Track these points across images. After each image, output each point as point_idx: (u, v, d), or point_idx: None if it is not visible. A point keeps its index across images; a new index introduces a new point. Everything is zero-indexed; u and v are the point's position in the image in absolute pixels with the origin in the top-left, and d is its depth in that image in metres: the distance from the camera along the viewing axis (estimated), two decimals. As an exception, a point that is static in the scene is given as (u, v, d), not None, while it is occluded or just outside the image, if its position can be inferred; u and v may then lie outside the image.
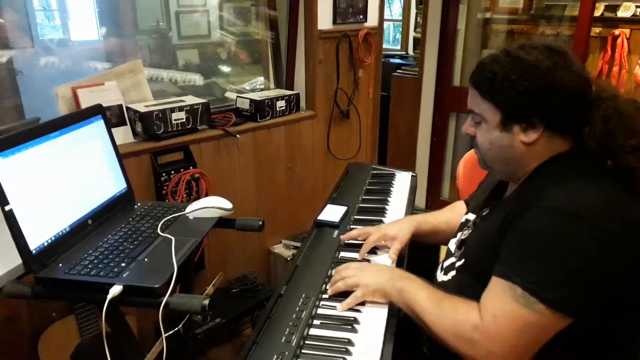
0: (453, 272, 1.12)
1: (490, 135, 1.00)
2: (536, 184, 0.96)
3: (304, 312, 1.03)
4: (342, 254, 1.28)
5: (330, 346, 0.95)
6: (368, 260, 1.26)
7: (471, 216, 1.19)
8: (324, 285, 1.14)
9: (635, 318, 0.94)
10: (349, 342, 0.96)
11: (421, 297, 1.00)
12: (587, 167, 0.92)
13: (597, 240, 0.84)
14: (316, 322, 1.02)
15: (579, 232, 0.84)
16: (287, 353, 0.91)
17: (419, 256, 1.38)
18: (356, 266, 1.14)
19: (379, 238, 1.29)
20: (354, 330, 1.00)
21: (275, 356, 0.90)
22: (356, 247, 1.29)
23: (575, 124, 0.94)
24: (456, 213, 1.37)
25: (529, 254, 0.87)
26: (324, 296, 1.11)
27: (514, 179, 1.06)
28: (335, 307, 1.06)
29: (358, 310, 1.06)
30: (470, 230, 1.14)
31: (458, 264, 1.11)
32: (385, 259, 1.25)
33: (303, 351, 0.94)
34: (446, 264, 1.17)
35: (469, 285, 1.03)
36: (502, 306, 0.88)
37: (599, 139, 0.90)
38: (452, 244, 1.20)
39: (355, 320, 1.02)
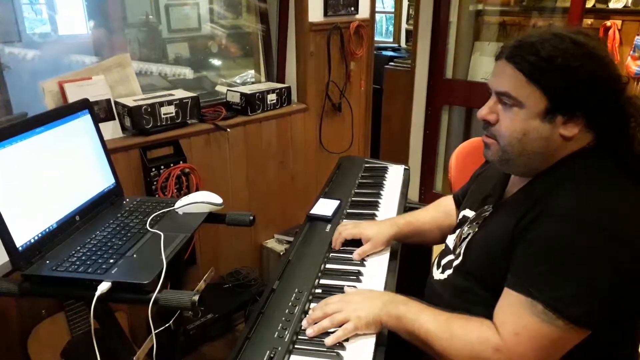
0: (450, 271, 1.07)
1: (526, 124, 0.90)
2: (553, 182, 0.90)
3: (297, 307, 1.02)
4: (332, 253, 1.26)
5: (323, 341, 0.94)
6: (351, 254, 1.24)
7: (469, 212, 1.12)
8: (316, 280, 1.13)
9: None
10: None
11: (424, 321, 0.92)
12: (609, 166, 0.89)
13: (618, 253, 0.80)
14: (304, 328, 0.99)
15: (600, 244, 0.80)
16: (280, 348, 0.90)
17: (410, 256, 1.37)
18: (339, 299, 1.00)
19: (355, 233, 1.25)
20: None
21: (268, 352, 0.90)
22: (345, 247, 1.28)
23: (613, 121, 0.89)
24: (441, 211, 1.33)
25: (549, 267, 0.83)
26: (317, 291, 1.10)
27: (530, 175, 0.98)
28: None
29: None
30: (472, 230, 1.06)
31: (456, 262, 1.06)
32: (376, 270, 1.20)
33: (296, 346, 0.93)
34: (444, 261, 1.11)
35: (466, 288, 0.99)
36: (524, 323, 0.83)
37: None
38: (450, 241, 1.14)
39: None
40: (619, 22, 2.66)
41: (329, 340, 0.93)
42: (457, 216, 1.20)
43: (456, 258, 1.07)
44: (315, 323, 0.96)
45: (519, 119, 0.90)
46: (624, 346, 0.95)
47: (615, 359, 0.95)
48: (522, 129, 0.91)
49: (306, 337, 0.95)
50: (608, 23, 2.69)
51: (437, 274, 1.11)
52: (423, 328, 0.92)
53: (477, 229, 1.04)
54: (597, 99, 0.87)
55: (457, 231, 1.12)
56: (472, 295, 0.97)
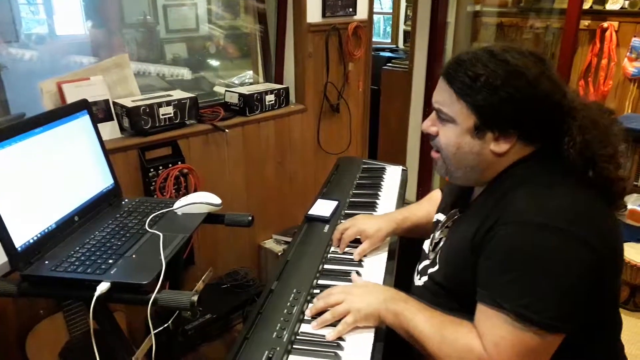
0: (425, 278, 1.08)
1: (458, 138, 0.94)
2: (505, 189, 0.92)
3: (295, 308, 1.02)
4: (331, 254, 1.27)
5: (321, 341, 0.95)
6: (351, 254, 1.24)
7: (441, 216, 1.15)
8: (315, 281, 1.14)
9: (611, 314, 0.95)
10: (341, 337, 0.96)
11: (419, 321, 0.94)
12: (556, 170, 0.90)
13: (577, 252, 0.81)
14: (307, 317, 1.01)
15: (558, 244, 0.82)
16: (278, 349, 0.90)
17: (407, 256, 1.37)
18: (341, 290, 1.04)
19: (355, 233, 1.27)
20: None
21: (266, 352, 0.90)
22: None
23: (548, 135, 0.91)
24: (433, 204, 1.33)
25: (511, 275, 0.83)
26: (315, 291, 1.10)
27: (475, 185, 1.03)
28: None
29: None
30: (442, 236, 1.09)
31: (430, 270, 1.07)
32: (374, 268, 1.21)
33: (294, 347, 0.93)
34: (421, 266, 1.13)
35: (440, 296, 1.01)
36: (501, 334, 0.84)
37: (580, 151, 0.87)
38: (426, 245, 1.16)
39: (347, 315, 1.01)
40: (615, 24, 2.66)
41: (329, 335, 0.95)
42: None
43: (431, 265, 1.08)
44: (318, 312, 1.01)
45: (453, 134, 0.94)
46: (605, 338, 0.96)
47: (599, 351, 0.96)
48: (455, 143, 0.95)
49: (305, 338, 0.96)
50: (605, 24, 2.69)
51: (417, 280, 1.12)
52: (418, 328, 0.93)
53: (446, 235, 1.06)
54: (522, 116, 0.89)
55: (431, 236, 1.14)
56: (447, 302, 0.98)
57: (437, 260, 1.05)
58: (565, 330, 0.83)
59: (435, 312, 0.96)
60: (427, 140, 3.39)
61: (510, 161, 0.94)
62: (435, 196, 1.37)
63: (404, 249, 1.36)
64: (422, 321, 0.94)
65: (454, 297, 0.98)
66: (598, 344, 0.95)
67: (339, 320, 0.98)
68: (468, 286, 0.91)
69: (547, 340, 0.83)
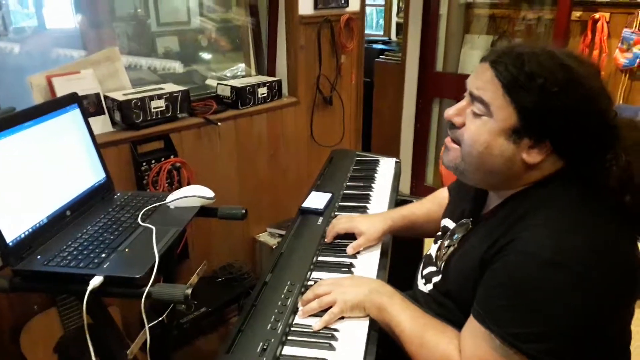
0: (430, 286, 1.05)
1: (490, 137, 0.85)
2: (524, 211, 0.85)
3: (289, 300, 1.02)
4: (324, 246, 1.27)
5: (316, 333, 0.95)
6: (345, 247, 1.24)
7: (450, 223, 1.10)
8: (309, 273, 1.14)
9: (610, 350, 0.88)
10: (335, 329, 0.96)
11: (402, 320, 0.93)
12: (584, 194, 0.83)
13: (582, 292, 0.76)
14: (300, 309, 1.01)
15: (562, 283, 0.76)
16: (272, 340, 0.91)
17: (401, 252, 1.37)
18: (330, 282, 1.04)
19: (348, 228, 1.26)
20: (340, 318, 0.99)
21: (261, 344, 0.90)
22: (337, 240, 1.28)
23: (588, 152, 0.83)
24: (437, 203, 1.32)
25: (509, 302, 0.80)
26: (309, 284, 1.10)
27: (489, 189, 0.96)
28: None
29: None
30: (452, 245, 1.03)
31: (436, 279, 1.04)
32: (368, 263, 1.20)
33: (289, 338, 0.94)
34: (426, 271, 1.10)
35: (446, 308, 0.98)
36: (481, 354, 0.82)
37: (621, 172, 0.81)
38: (433, 251, 1.12)
39: (340, 307, 1.02)
40: (607, 15, 2.67)
41: (316, 325, 0.95)
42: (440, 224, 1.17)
43: (437, 273, 1.05)
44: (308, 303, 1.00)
45: (485, 130, 0.85)
46: None
47: None
48: (485, 141, 0.85)
49: (299, 329, 0.96)
50: (596, 15, 2.70)
51: (421, 284, 1.10)
52: (400, 327, 0.93)
53: (456, 246, 1.01)
54: (569, 130, 0.81)
55: (439, 242, 1.11)
56: (452, 315, 0.96)
57: (444, 270, 1.02)
58: None
59: (419, 312, 0.96)
60: (420, 132, 3.37)
61: (537, 177, 0.87)
62: (440, 196, 1.34)
63: (403, 245, 1.35)
64: (405, 320, 0.93)
65: (459, 308, 0.94)
66: None
67: (327, 311, 0.98)
68: (472, 300, 0.88)
69: None
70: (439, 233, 1.15)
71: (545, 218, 0.82)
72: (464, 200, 1.08)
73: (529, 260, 0.79)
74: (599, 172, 0.83)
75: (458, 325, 0.91)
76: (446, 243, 1.06)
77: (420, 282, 1.10)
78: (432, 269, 1.08)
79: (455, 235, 1.04)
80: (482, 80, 0.86)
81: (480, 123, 0.86)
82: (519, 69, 0.81)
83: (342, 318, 0.98)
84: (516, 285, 0.79)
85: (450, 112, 0.91)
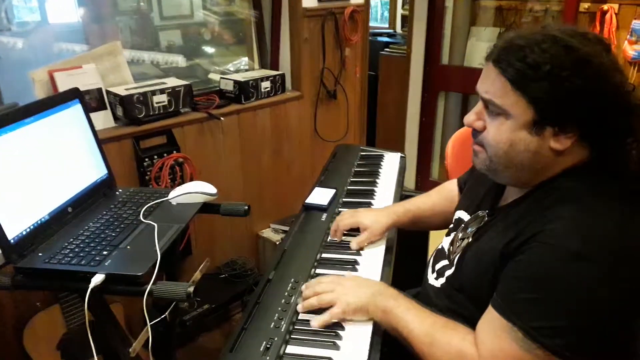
0: (443, 280, 1.03)
1: (512, 134, 0.84)
2: (549, 203, 0.84)
3: (293, 297, 1.01)
4: (328, 243, 1.25)
5: (320, 331, 0.94)
6: (348, 243, 1.22)
7: (464, 215, 1.08)
8: (312, 270, 1.13)
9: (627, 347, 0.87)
10: (340, 326, 0.95)
11: (409, 320, 0.91)
12: (611, 185, 0.82)
13: (608, 286, 0.75)
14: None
15: (588, 277, 0.75)
16: (276, 339, 0.90)
17: (407, 246, 1.36)
18: (331, 280, 1.01)
19: (352, 223, 1.24)
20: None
21: (264, 342, 0.89)
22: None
23: (610, 135, 0.82)
24: (443, 197, 1.31)
25: (531, 295, 0.79)
26: (312, 281, 1.09)
27: (522, 186, 0.93)
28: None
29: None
30: (466, 238, 1.01)
31: (449, 272, 1.02)
32: (372, 259, 1.19)
33: (292, 336, 0.93)
34: (438, 265, 1.08)
35: (459, 304, 0.96)
36: (502, 346, 0.80)
37: None
38: (446, 243, 1.10)
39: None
40: (616, 6, 2.63)
41: (314, 322, 0.94)
42: (453, 216, 1.16)
43: (450, 266, 1.03)
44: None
45: (505, 129, 0.84)
46: None
47: None
48: (508, 139, 0.84)
49: (303, 327, 0.95)
50: (605, 7, 2.66)
51: (432, 279, 1.08)
52: (407, 328, 0.91)
53: (471, 239, 0.99)
54: (589, 112, 0.79)
55: (453, 235, 1.09)
56: (465, 310, 0.94)
57: (458, 264, 1.00)
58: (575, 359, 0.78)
59: (426, 312, 0.94)
60: (426, 126, 3.34)
61: (566, 164, 0.85)
62: (448, 188, 1.33)
63: (409, 241, 1.34)
64: (413, 320, 0.91)
65: (472, 303, 0.93)
66: None
67: (325, 309, 0.96)
68: (487, 293, 0.87)
69: None
70: (452, 226, 1.13)
71: (571, 210, 0.80)
72: (479, 193, 1.07)
73: (555, 253, 0.77)
74: (621, 156, 0.82)
75: (470, 320, 0.90)
76: (460, 235, 1.05)
77: (431, 277, 1.09)
78: (445, 262, 1.06)
79: (470, 228, 1.02)
80: (489, 82, 0.85)
81: (499, 123, 0.85)
82: (522, 61, 0.80)
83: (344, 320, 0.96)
84: (541, 278, 0.78)
85: (469, 118, 0.91)
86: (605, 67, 0.79)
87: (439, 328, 0.90)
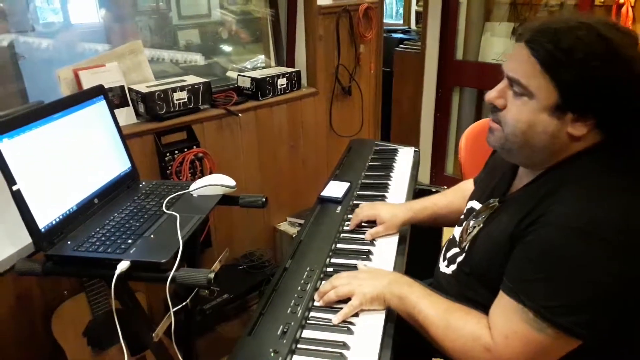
0: (454, 267, 1.06)
1: (533, 115, 0.85)
2: (557, 184, 0.85)
3: (309, 285, 1.05)
4: (343, 234, 1.29)
5: (334, 316, 0.97)
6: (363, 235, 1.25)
7: (476, 204, 1.10)
8: (328, 259, 1.16)
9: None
10: (355, 313, 0.98)
11: (424, 306, 0.93)
12: (621, 167, 0.83)
13: (617, 264, 0.76)
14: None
15: (596, 255, 0.76)
16: (292, 323, 0.93)
17: (420, 238, 1.38)
18: (348, 274, 1.04)
19: (370, 215, 1.27)
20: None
21: (281, 326, 0.92)
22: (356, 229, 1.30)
23: (629, 123, 0.83)
24: (460, 195, 1.32)
25: (543, 275, 0.79)
26: (328, 269, 1.12)
27: (532, 168, 0.94)
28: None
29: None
30: (477, 225, 1.03)
31: (460, 258, 1.04)
32: (386, 250, 1.21)
33: (308, 322, 0.96)
34: (449, 254, 1.10)
35: (470, 287, 0.98)
36: (514, 328, 0.82)
37: None
38: (457, 232, 1.12)
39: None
40: (632, 0, 2.61)
41: (335, 319, 0.95)
42: (465, 207, 1.18)
43: (461, 253, 1.05)
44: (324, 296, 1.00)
45: (527, 110, 0.85)
46: (622, 352, 0.89)
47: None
48: (528, 120, 0.86)
49: (318, 314, 0.98)
50: (621, 0, 2.64)
51: (443, 267, 1.10)
52: (422, 313, 0.92)
53: (482, 225, 1.01)
54: (612, 101, 0.81)
55: (464, 223, 1.11)
56: (476, 294, 0.96)
57: (469, 249, 1.02)
58: (584, 339, 0.79)
59: (440, 298, 0.95)
60: (440, 122, 3.35)
61: (579, 148, 0.86)
62: (464, 187, 1.34)
63: (422, 233, 1.36)
64: (428, 306, 0.93)
65: (482, 285, 0.95)
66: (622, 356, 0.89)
67: (344, 303, 0.98)
68: (498, 277, 0.88)
69: (560, 343, 0.80)
70: (463, 216, 1.15)
71: (578, 191, 0.82)
72: (491, 183, 1.08)
73: (562, 232, 0.79)
74: (635, 143, 0.83)
75: (482, 305, 0.91)
76: (471, 223, 1.06)
77: (442, 265, 1.11)
78: (456, 250, 1.08)
79: (481, 217, 1.03)
80: (517, 61, 0.85)
81: (521, 103, 0.86)
82: (555, 45, 0.80)
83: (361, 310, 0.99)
84: (549, 258, 0.79)
85: (491, 95, 0.91)
86: (634, 59, 0.80)
87: (454, 313, 0.91)
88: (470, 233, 1.04)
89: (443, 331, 0.90)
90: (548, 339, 0.79)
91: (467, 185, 1.34)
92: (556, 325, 0.78)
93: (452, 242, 1.13)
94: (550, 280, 0.79)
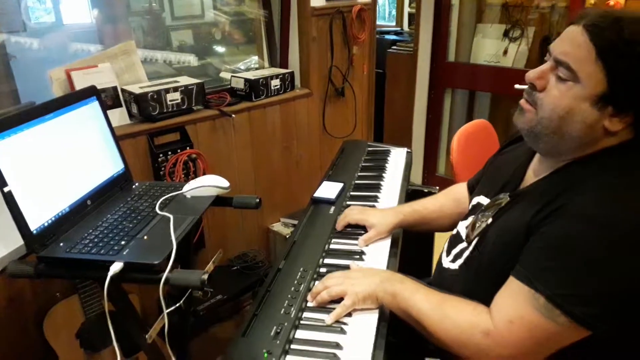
0: (461, 261, 1.04)
1: (574, 102, 0.82)
2: (582, 176, 0.84)
3: (302, 285, 1.05)
4: (336, 234, 1.29)
5: (327, 316, 0.97)
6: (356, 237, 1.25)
7: (484, 199, 1.08)
8: (321, 260, 1.16)
9: None
10: (347, 314, 0.98)
11: (418, 300, 0.93)
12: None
13: (636, 260, 0.75)
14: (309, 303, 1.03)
15: (614, 246, 0.76)
16: (286, 324, 0.93)
17: (412, 240, 1.39)
18: (340, 274, 1.04)
19: (359, 219, 1.27)
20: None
21: (274, 327, 0.93)
22: (348, 229, 1.30)
23: None
24: (451, 198, 1.32)
25: (558, 264, 0.79)
26: (322, 270, 1.13)
27: (554, 157, 0.91)
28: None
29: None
30: (485, 219, 1.01)
31: (467, 253, 1.03)
32: (379, 250, 1.22)
33: (302, 322, 0.96)
34: (455, 250, 1.09)
35: (478, 283, 0.97)
36: (521, 313, 0.81)
37: None
38: (462, 228, 1.11)
39: (352, 291, 1.04)
40: (622, 1, 2.64)
41: (328, 319, 0.95)
42: (470, 202, 1.17)
43: (468, 247, 1.04)
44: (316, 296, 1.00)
45: (569, 95, 0.82)
46: (630, 347, 0.88)
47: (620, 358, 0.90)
48: (568, 106, 0.82)
49: (311, 314, 0.98)
50: (611, 2, 2.66)
51: (447, 262, 1.10)
52: (416, 307, 0.93)
53: (491, 220, 0.99)
54: None
55: (470, 218, 1.09)
56: (481, 289, 0.94)
57: (479, 243, 1.00)
58: (595, 329, 0.79)
59: (433, 291, 0.95)
60: (432, 123, 3.36)
61: (609, 143, 0.85)
62: (456, 190, 1.34)
63: (414, 234, 1.36)
64: (421, 299, 0.93)
65: (490, 281, 0.92)
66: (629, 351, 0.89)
67: (337, 303, 0.98)
68: (508, 270, 0.87)
69: (568, 332, 0.80)
70: (469, 211, 1.14)
71: (600, 185, 0.81)
72: (500, 179, 1.07)
73: (581, 223, 0.78)
74: None
75: (485, 301, 0.90)
76: (480, 217, 1.05)
77: (446, 260, 1.10)
78: (463, 245, 1.07)
79: (490, 211, 1.02)
80: (570, 45, 0.82)
81: (565, 88, 0.83)
82: (617, 34, 0.78)
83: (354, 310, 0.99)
84: (567, 248, 0.79)
85: (532, 74, 0.87)
86: None
87: (448, 302, 0.92)
88: (479, 227, 1.02)
89: (439, 324, 0.90)
90: (556, 326, 0.79)
91: (459, 189, 1.34)
92: (568, 314, 0.78)
93: (457, 238, 1.12)
94: (565, 269, 0.79)
